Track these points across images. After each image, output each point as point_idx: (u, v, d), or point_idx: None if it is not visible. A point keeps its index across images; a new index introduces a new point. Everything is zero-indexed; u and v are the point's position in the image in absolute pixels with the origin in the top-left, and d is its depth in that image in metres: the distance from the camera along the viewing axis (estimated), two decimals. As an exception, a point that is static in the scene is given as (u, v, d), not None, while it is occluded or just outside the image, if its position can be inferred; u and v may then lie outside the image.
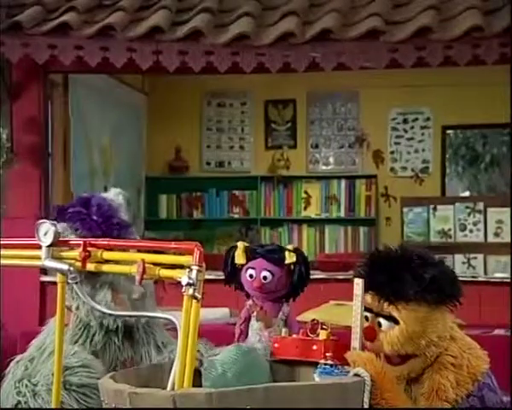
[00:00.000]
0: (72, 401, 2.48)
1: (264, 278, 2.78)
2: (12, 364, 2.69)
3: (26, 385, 2.55)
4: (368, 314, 2.39)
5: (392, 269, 2.34)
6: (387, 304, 2.33)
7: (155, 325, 2.78)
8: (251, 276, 2.80)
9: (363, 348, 2.36)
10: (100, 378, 2.33)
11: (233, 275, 2.87)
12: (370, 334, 2.36)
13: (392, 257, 2.39)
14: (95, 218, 2.69)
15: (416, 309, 2.31)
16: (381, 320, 2.36)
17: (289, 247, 2.87)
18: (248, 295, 2.88)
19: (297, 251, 2.84)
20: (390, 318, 2.34)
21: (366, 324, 2.39)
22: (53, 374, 2.43)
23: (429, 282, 2.30)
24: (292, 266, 2.81)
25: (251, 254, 2.83)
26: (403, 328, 2.32)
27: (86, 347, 2.68)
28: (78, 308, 2.69)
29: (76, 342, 2.68)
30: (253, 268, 2.80)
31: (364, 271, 2.41)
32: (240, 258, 2.83)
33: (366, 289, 2.38)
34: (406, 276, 2.30)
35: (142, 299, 2.68)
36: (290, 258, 2.81)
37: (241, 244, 2.87)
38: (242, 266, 2.83)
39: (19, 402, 2.54)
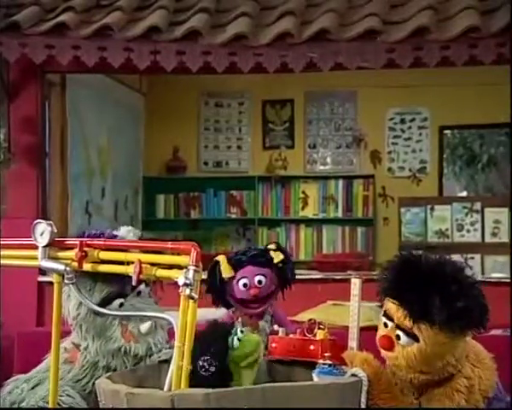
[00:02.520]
0: None
1: (259, 282, 2.75)
2: (10, 381, 2.75)
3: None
4: (388, 322, 2.33)
5: (423, 288, 2.25)
6: (411, 321, 2.26)
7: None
8: (245, 285, 2.75)
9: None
10: None
11: (221, 291, 2.78)
12: (388, 344, 2.32)
13: (425, 274, 2.28)
14: None
15: (439, 333, 2.25)
16: (401, 334, 2.30)
17: (271, 247, 2.83)
18: (229, 306, 2.82)
19: (280, 249, 2.83)
20: (411, 334, 2.28)
21: (384, 331, 2.34)
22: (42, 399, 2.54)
23: (458, 311, 2.23)
24: (280, 264, 2.80)
25: (236, 264, 2.77)
26: (422, 348, 2.27)
27: (88, 387, 2.67)
28: (86, 348, 2.68)
29: (78, 381, 2.69)
30: (245, 277, 2.75)
31: (393, 277, 2.33)
32: (227, 271, 2.75)
33: (391, 295, 2.32)
34: (436, 300, 2.22)
35: (153, 332, 2.67)
36: (278, 257, 2.79)
37: (222, 258, 2.79)
38: (229, 279, 2.77)
39: None
